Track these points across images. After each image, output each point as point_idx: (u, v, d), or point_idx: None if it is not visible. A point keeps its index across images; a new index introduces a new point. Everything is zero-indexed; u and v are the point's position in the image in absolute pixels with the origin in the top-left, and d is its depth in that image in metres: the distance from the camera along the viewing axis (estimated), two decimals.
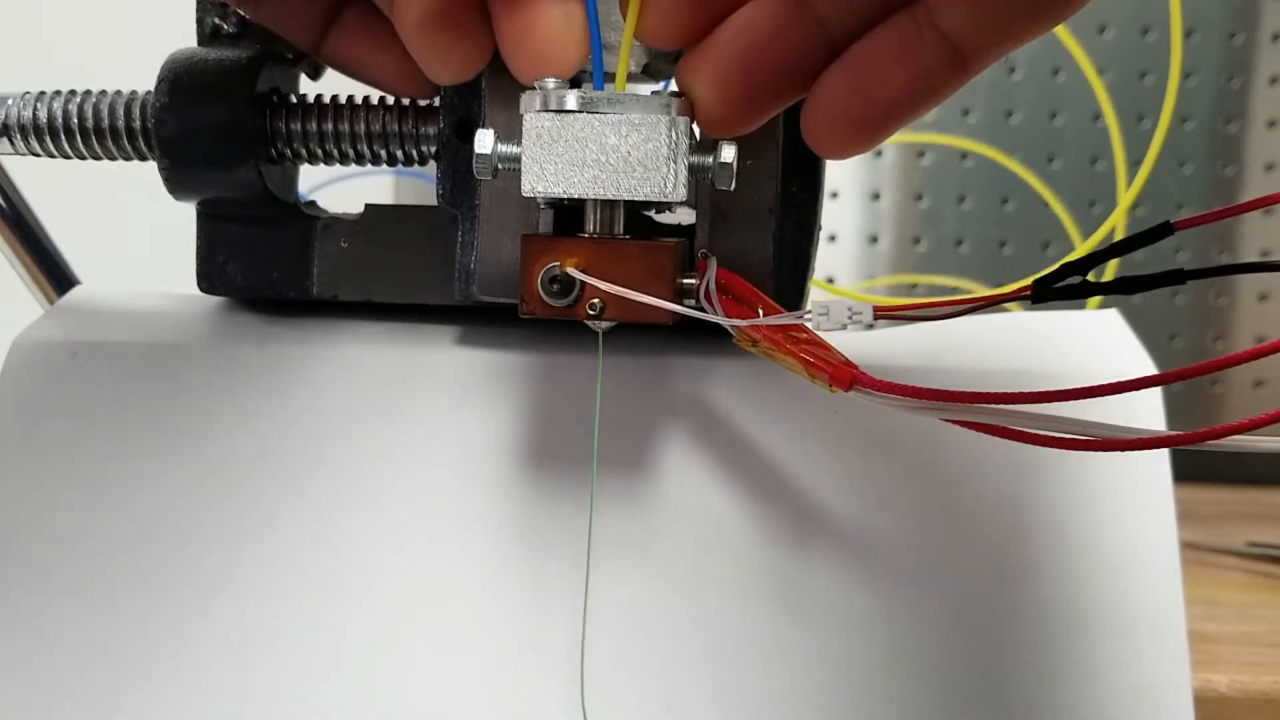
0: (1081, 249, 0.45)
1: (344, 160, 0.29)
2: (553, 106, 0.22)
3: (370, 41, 0.28)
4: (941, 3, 0.22)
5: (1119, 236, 0.48)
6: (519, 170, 0.23)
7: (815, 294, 0.30)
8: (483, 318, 0.30)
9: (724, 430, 0.27)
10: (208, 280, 0.30)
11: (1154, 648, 0.26)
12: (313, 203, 0.32)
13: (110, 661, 0.27)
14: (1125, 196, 0.43)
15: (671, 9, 0.23)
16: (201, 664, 0.27)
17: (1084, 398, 0.18)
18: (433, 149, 0.29)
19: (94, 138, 0.29)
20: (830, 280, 0.70)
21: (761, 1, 0.23)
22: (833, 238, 0.71)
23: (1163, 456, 0.27)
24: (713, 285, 0.24)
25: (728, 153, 0.23)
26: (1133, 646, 0.26)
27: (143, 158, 0.30)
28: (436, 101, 0.28)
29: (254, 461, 0.28)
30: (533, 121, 0.22)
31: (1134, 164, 0.69)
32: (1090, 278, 0.22)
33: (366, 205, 0.30)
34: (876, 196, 0.71)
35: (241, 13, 0.28)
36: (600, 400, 0.27)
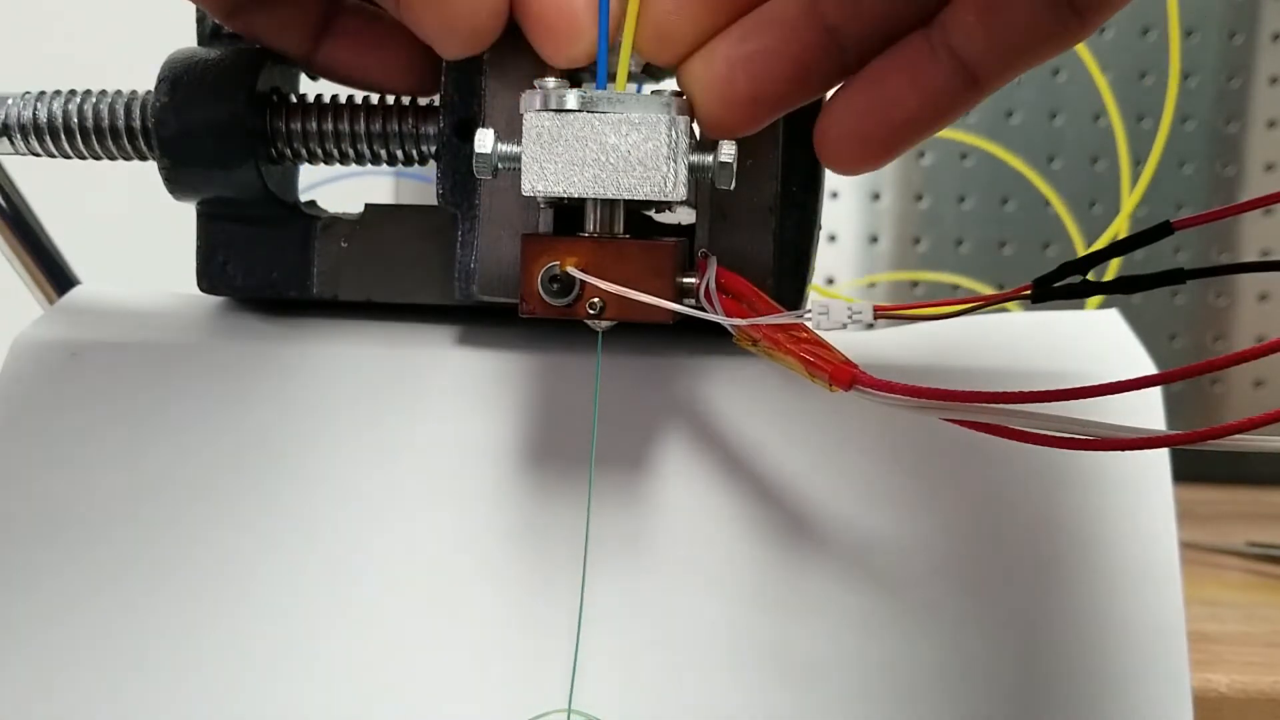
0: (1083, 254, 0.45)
1: (344, 160, 0.29)
2: (553, 106, 0.22)
3: (364, 45, 0.28)
4: (955, 24, 0.22)
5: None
6: (519, 170, 0.23)
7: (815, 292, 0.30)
8: (483, 318, 0.30)
9: (724, 430, 0.27)
10: (208, 280, 0.30)
11: (1154, 648, 0.26)
12: (313, 202, 0.32)
13: (110, 659, 0.27)
14: (1128, 201, 0.43)
15: (669, 32, 0.23)
16: (201, 662, 0.27)
17: (1084, 397, 0.18)
18: (433, 149, 0.29)
19: (94, 138, 0.29)
20: (830, 281, 0.70)
21: (770, 5, 0.23)
22: (833, 238, 0.71)
23: (1163, 456, 0.27)
24: (713, 285, 0.23)
25: (728, 153, 0.23)
26: (1133, 646, 0.26)
27: (143, 158, 0.29)
28: (436, 101, 0.28)
29: (254, 461, 0.28)
30: (533, 121, 0.22)
31: (1134, 164, 0.69)
32: (1090, 277, 0.22)
33: (366, 205, 0.30)
34: (876, 196, 0.71)
35: (232, 28, 0.28)
36: (599, 400, 0.27)
